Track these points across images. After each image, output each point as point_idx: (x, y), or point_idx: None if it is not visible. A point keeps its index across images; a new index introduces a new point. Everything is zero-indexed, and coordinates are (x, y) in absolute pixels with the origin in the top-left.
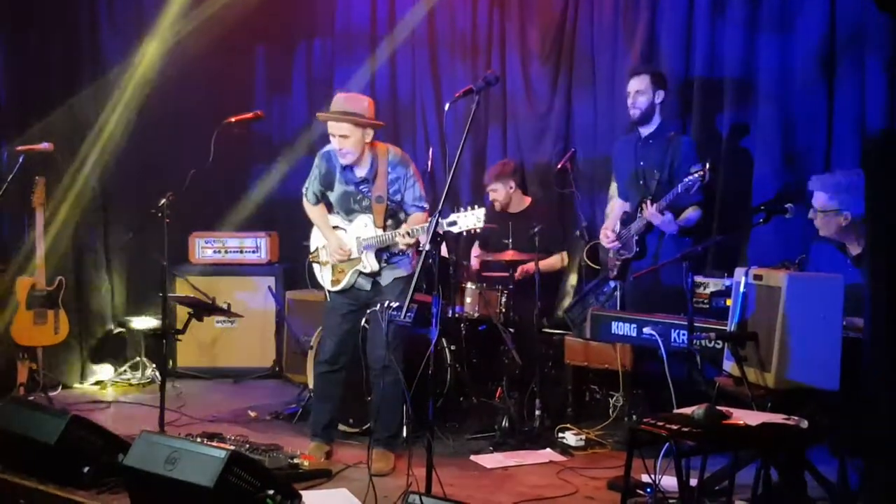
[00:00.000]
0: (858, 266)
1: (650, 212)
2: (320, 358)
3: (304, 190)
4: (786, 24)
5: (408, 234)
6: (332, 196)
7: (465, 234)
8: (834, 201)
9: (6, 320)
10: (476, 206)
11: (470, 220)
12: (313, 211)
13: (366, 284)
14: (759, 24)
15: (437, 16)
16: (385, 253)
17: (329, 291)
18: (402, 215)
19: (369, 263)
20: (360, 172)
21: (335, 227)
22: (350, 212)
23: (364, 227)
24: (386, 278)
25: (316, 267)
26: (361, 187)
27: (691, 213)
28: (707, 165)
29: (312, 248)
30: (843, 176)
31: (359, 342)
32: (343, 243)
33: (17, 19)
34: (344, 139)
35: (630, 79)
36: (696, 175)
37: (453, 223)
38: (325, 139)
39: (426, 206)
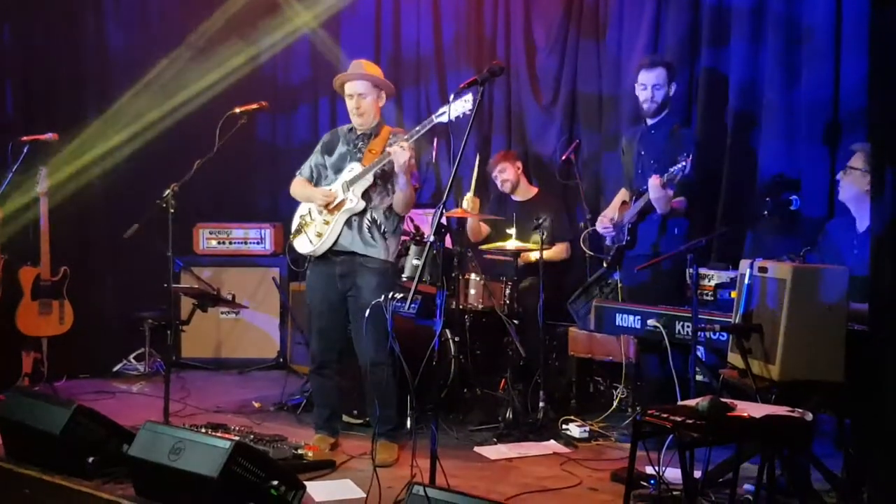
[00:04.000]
0: (861, 249)
1: (654, 182)
2: (310, 355)
3: (299, 171)
4: (793, 21)
5: (401, 146)
6: (330, 161)
7: (456, 119)
8: (866, 163)
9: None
10: (464, 94)
11: (458, 105)
12: (299, 183)
13: (348, 243)
14: (765, 15)
15: (443, 7)
16: (370, 209)
17: (309, 261)
18: (390, 186)
19: (355, 197)
20: (361, 130)
21: None
22: (340, 170)
23: (349, 172)
24: (362, 250)
25: (298, 241)
26: (359, 144)
27: (678, 202)
28: (690, 157)
29: (296, 224)
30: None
31: (346, 335)
32: (330, 190)
33: (22, 11)
34: (361, 98)
35: (643, 71)
36: (681, 164)
37: (442, 113)
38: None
39: (417, 185)
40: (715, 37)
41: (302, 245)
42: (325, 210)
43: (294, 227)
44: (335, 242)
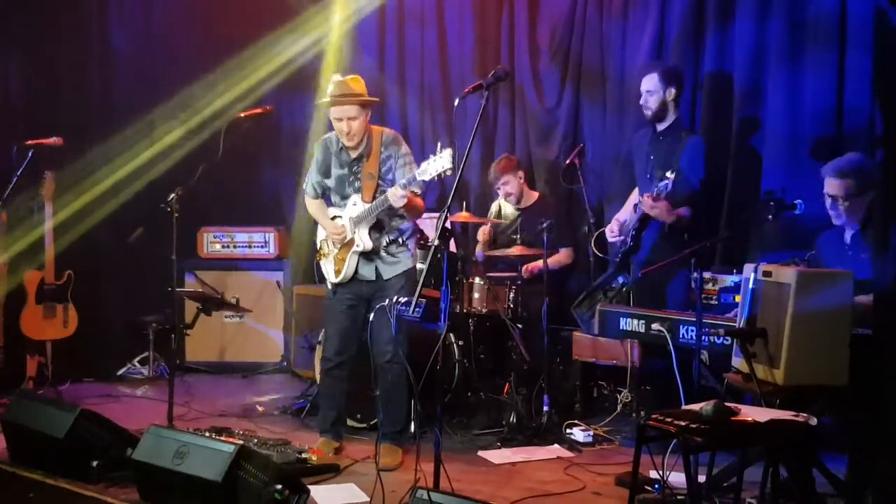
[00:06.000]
0: (854, 251)
1: (645, 202)
2: (324, 355)
3: (304, 186)
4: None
5: (400, 187)
6: (330, 183)
7: (438, 178)
8: (841, 179)
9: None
10: (442, 150)
11: (439, 163)
12: (312, 205)
13: (368, 274)
14: (769, 17)
15: (447, 11)
16: (383, 236)
17: (332, 285)
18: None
19: (362, 241)
20: (354, 153)
21: (334, 218)
22: (345, 197)
23: (353, 206)
24: (387, 272)
25: (322, 264)
26: (354, 168)
27: (683, 209)
28: (674, 175)
29: (319, 246)
30: (854, 155)
31: (363, 338)
32: (339, 226)
33: (28, 16)
34: (352, 121)
35: (641, 78)
36: (665, 182)
37: (423, 171)
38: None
39: (419, 191)
40: (718, 28)
41: (327, 272)
42: (339, 242)
43: (318, 247)
44: (355, 272)
